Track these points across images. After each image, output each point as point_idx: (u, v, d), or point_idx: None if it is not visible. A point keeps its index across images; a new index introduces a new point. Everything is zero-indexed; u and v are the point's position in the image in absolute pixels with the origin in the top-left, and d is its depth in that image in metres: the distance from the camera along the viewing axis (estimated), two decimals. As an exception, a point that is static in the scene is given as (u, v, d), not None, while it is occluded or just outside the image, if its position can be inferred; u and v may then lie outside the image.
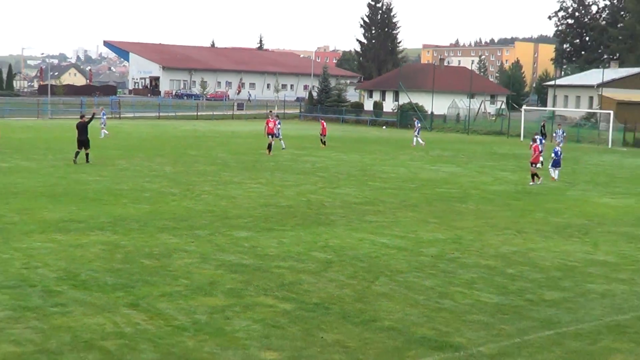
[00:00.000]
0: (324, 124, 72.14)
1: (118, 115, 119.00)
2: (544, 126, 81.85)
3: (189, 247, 25.64)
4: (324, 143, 68.80)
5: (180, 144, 67.47)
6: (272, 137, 60.43)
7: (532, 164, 46.79)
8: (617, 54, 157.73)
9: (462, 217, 33.88)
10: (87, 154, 48.51)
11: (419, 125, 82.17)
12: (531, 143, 49.49)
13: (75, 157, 48.39)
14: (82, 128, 48.68)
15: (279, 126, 64.87)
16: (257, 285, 20.99)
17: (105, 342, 16.21)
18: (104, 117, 76.05)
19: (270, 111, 79.57)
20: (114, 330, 16.95)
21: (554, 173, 48.25)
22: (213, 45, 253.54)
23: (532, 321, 18.82)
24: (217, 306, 18.95)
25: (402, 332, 17.56)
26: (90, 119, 50.03)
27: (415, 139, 78.23)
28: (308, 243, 26.94)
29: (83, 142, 48.47)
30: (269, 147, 59.73)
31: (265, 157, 57.58)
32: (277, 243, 26.74)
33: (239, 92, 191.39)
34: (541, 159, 54.93)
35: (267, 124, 61.57)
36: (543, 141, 58.29)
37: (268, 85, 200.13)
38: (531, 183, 45.58)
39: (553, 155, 48.61)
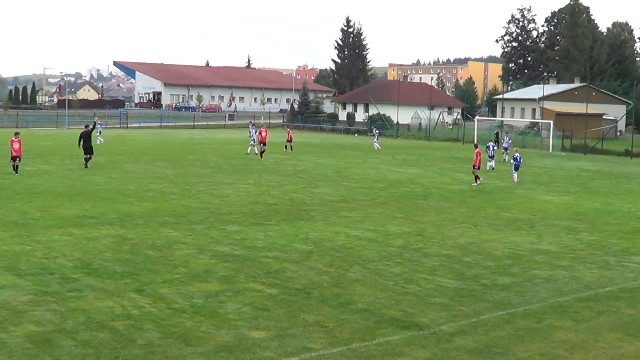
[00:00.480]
0: (290, 132, 72.06)
1: (125, 125, 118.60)
2: (497, 134, 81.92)
3: (187, 239, 25.51)
4: (290, 148, 68.65)
5: (179, 150, 67.22)
6: (264, 145, 60.16)
7: (473, 167, 46.31)
8: (555, 72, 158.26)
9: (425, 212, 33.81)
10: (88, 159, 48.06)
11: (377, 132, 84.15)
12: (478, 149, 49.04)
13: (85, 163, 48.05)
14: (86, 136, 48.42)
15: (253, 134, 64.85)
16: (246, 273, 20.90)
17: (115, 322, 16.20)
18: (100, 127, 75.65)
19: (251, 122, 78.96)
20: (122, 312, 16.90)
21: (515, 176, 47.85)
22: (207, 64, 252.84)
23: (487, 303, 18.77)
24: (211, 291, 18.86)
25: (374, 313, 17.47)
26: (93, 128, 49.86)
27: (375, 144, 79.95)
28: (291, 236, 26.83)
29: (87, 148, 48.14)
30: (261, 153, 59.46)
31: (256, 161, 57.36)
32: (264, 236, 26.63)
33: (230, 104, 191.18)
34: (492, 163, 55.05)
35: (260, 133, 61.22)
36: (495, 147, 58.32)
37: (255, 99, 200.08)
38: (474, 184, 45.40)
39: (513, 160, 48.35)
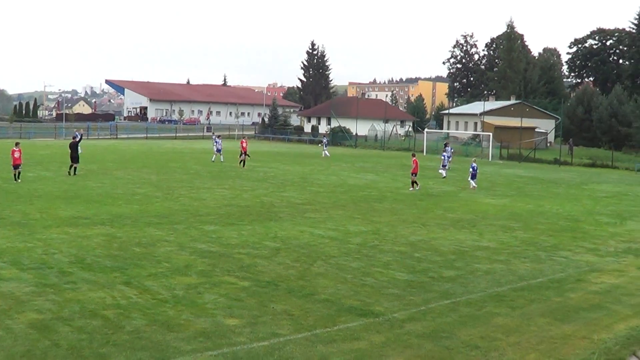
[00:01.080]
0: (244, 142, 68.38)
1: (115, 136, 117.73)
2: (446, 144, 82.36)
3: (169, 238, 25.38)
4: (243, 163, 59.73)
5: (163, 158, 66.80)
6: (246, 154, 59.52)
7: (412, 174, 45.52)
8: (494, 91, 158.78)
9: (380, 214, 33.83)
10: (75, 168, 47.34)
11: (326, 141, 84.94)
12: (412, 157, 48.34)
13: (70, 169, 47.31)
14: (74, 147, 47.80)
15: (217, 144, 64.99)
16: (222, 267, 20.84)
17: (106, 311, 16.15)
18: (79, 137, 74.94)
19: (214, 133, 78.02)
20: (112, 302, 16.83)
21: (473, 183, 47.32)
22: (188, 82, 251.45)
23: (434, 293, 18.82)
24: (191, 284, 18.80)
25: (335, 303, 17.46)
26: (80, 139, 49.19)
27: (323, 152, 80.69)
28: (261, 234, 26.76)
29: (74, 158, 47.47)
30: (243, 162, 58.79)
31: (230, 168, 57.15)
32: (238, 234, 26.54)
33: (208, 118, 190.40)
34: (443, 173, 54.86)
35: (242, 144, 60.68)
36: (450, 158, 58.48)
37: (230, 113, 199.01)
38: (411, 189, 44.60)
39: (471, 169, 47.77)
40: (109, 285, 18.38)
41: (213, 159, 63.73)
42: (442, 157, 57.15)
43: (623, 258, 25.21)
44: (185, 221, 29.20)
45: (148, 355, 13.51)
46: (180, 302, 17.00)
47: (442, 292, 19.03)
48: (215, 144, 65.16)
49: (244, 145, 60.08)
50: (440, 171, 55.96)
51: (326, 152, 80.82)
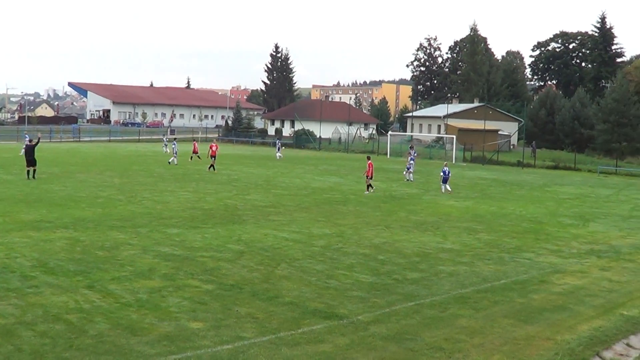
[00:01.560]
0: (196, 144, 69.59)
1: (78, 139, 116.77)
2: (412, 147, 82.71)
3: (132, 241, 25.23)
4: (212, 164, 59.28)
5: (126, 161, 66.44)
6: (214, 158, 58.78)
7: (367, 176, 45.00)
8: (457, 93, 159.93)
9: (344, 216, 33.91)
10: (34, 171, 46.67)
11: (279, 143, 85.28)
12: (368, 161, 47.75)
13: (27, 174, 46.58)
14: (30, 150, 47.10)
15: (174, 147, 65.34)
16: (185, 271, 20.77)
17: (69, 315, 16.04)
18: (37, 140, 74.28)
19: (170, 137, 77.52)
20: (76, 307, 16.72)
21: (445, 187, 46.66)
22: (152, 85, 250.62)
23: (398, 295, 18.89)
24: (155, 287, 18.71)
25: (299, 305, 17.48)
26: (37, 143, 48.52)
27: (277, 154, 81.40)
28: (225, 237, 26.70)
29: (31, 161, 46.81)
30: (212, 166, 58.13)
31: (194, 171, 56.98)
32: (201, 237, 26.46)
33: (172, 121, 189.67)
34: (407, 176, 54.88)
35: (211, 147, 60.02)
36: (413, 160, 58.39)
37: (194, 116, 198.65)
38: (366, 192, 44.25)
39: (442, 174, 47.09)
40: (72, 289, 18.25)
41: (176, 162, 63.60)
42: (409, 158, 57.12)
43: (586, 259, 25.49)
44: (148, 224, 29.06)
45: (111, 360, 13.47)
46: (143, 306, 16.93)
47: (406, 294, 19.11)
48: (172, 146, 65.51)
49: (214, 149, 59.49)
50: (405, 174, 56.03)
51: (280, 154, 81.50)
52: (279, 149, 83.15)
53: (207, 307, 17.09)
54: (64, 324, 15.36)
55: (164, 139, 66.15)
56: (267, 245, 25.50)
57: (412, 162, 57.11)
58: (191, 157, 68.63)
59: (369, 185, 44.99)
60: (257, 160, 75.50)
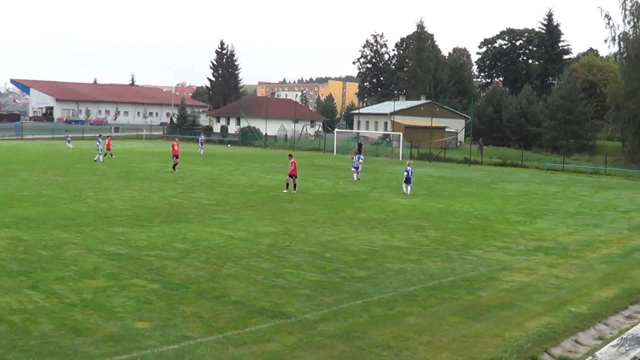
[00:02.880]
0: (175, 145, 68.21)
1: (21, 137, 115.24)
2: (360, 145, 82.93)
3: (76, 240, 25.01)
4: (176, 163, 57.67)
5: (69, 159, 65.74)
6: (177, 158, 57.46)
7: (289, 175, 44.01)
8: (404, 90, 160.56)
9: (291, 214, 33.95)
10: None
11: (202, 138, 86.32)
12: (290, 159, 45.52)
13: None
14: None
15: (99, 144, 64.46)
16: (130, 270, 20.65)
17: (12, 316, 15.90)
18: None
19: (100, 134, 76.02)
20: (19, 307, 16.57)
21: (406, 187, 44.87)
22: (95, 82, 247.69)
23: (346, 293, 18.97)
24: (99, 287, 18.58)
25: (246, 304, 17.48)
26: None
27: (199, 149, 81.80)
28: (170, 236, 26.60)
29: None
30: (174, 166, 56.98)
31: (139, 169, 56.58)
32: (146, 236, 26.33)
33: (115, 118, 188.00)
34: (358, 175, 54.49)
35: (173, 147, 58.27)
36: (361, 159, 58.23)
37: (138, 113, 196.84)
38: (285, 191, 43.41)
39: (405, 173, 45.10)
40: (15, 289, 18.04)
41: (95, 159, 63.06)
42: (354, 159, 56.28)
43: (533, 256, 25.82)
44: (92, 223, 28.81)
45: (54, 361, 13.35)
46: (88, 306, 16.80)
47: (354, 292, 19.20)
48: (97, 144, 64.68)
49: (176, 148, 57.27)
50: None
51: (202, 150, 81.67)
52: (201, 144, 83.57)
53: (152, 306, 17.01)
54: (6, 325, 15.19)
55: (67, 135, 65.93)
56: (213, 243, 25.45)
57: (360, 160, 56.81)
58: (106, 154, 66.22)
59: (294, 185, 43.95)
60: (202, 158, 75.15)
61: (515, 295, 19.75)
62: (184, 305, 17.19)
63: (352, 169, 55.31)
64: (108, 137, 68.33)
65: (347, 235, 28.50)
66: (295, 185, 44.07)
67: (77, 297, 17.53)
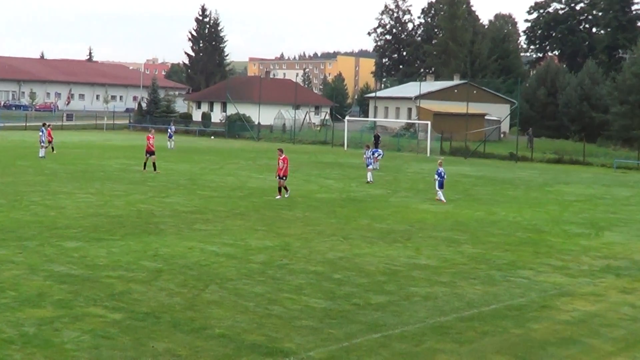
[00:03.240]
0: (50, 131, 67.68)
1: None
2: (376, 137, 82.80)
3: (16, 258, 24.96)
4: (152, 160, 57.14)
5: (8, 154, 65.81)
6: (152, 155, 55.46)
7: (279, 176, 43.02)
8: (433, 68, 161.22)
9: (290, 224, 33.90)
10: None
11: (172, 129, 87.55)
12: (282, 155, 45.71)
13: None
14: None
15: (41, 135, 64.16)
16: (86, 296, 20.57)
17: None
18: None
19: (44, 123, 76.23)
20: (-62, 345, 16.41)
21: (441, 195, 44.27)
22: (42, 56, 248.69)
23: (360, 325, 18.88)
24: (45, 318, 18.48)
25: (233, 339, 17.41)
26: None
27: (168, 142, 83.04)
28: (138, 252, 26.56)
29: None
30: (152, 164, 56.17)
31: (97, 167, 56.56)
32: (107, 253, 26.28)
33: (68, 103, 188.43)
34: (370, 176, 53.96)
35: (148, 140, 57.17)
36: (381, 153, 58.32)
37: (97, 97, 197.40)
38: (278, 196, 42.88)
39: (436, 176, 44.61)
40: None
41: (42, 154, 63.02)
42: (368, 154, 55.98)
43: (600, 278, 25.67)
44: (38, 236, 28.75)
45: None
46: (30, 343, 16.70)
47: (370, 323, 19.09)
48: (40, 134, 64.44)
49: (151, 142, 56.14)
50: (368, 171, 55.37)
51: (171, 143, 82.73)
52: (170, 136, 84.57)
53: (114, 342, 16.92)
54: None
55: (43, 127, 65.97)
56: (191, 261, 25.39)
57: (379, 155, 56.97)
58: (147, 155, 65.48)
59: (283, 187, 43.18)
60: (180, 153, 75.28)
61: (578, 329, 19.58)
62: (154, 341, 17.10)
63: (369, 167, 54.25)
64: (49, 126, 68.46)
65: (362, 250, 28.43)
66: (286, 188, 43.39)
67: (15, 332, 17.43)
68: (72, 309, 19.30)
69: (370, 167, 54.24)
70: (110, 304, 19.86)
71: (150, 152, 55.74)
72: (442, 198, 44.28)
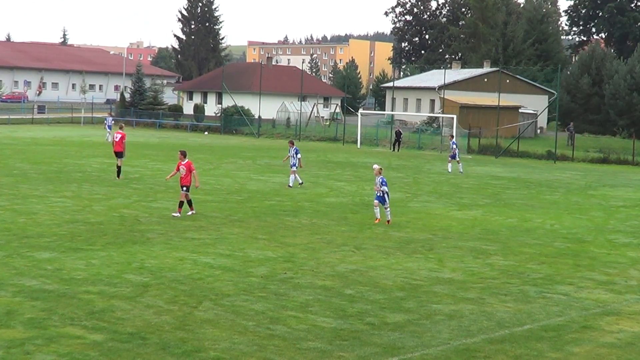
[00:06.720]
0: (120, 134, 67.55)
1: None
2: (398, 133, 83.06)
3: (-17, 270, 25.04)
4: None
5: (-27, 153, 66.00)
6: (121, 157, 52.54)
7: (182, 186, 38.00)
8: (459, 54, 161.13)
9: (295, 232, 33.97)
10: None
11: (109, 122, 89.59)
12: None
13: None
14: None
15: None
16: (62, 314, 20.60)
17: None
18: None
19: None
20: None
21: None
22: (9, 39, 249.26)
23: (374, 347, 18.93)
24: (15, 339, 18.51)
25: (230, 362, 17.44)
26: None
27: (107, 135, 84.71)
28: (121, 264, 26.60)
29: None
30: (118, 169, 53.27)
31: (74, 167, 56.70)
32: (86, 265, 26.33)
33: (40, 92, 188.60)
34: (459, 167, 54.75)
35: (119, 138, 54.41)
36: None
37: (73, 86, 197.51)
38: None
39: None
40: None
41: None
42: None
43: (649, 295, 25.73)
44: (5, 246, 28.84)
45: None
46: (-2, 366, 16.80)
47: (386, 345, 19.16)
48: None
49: (118, 139, 52.52)
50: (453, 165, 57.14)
51: (109, 136, 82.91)
52: (109, 128, 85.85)
53: (93, 366, 17.00)
54: None
55: None
56: (182, 275, 25.47)
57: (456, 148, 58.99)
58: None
59: (188, 202, 38.30)
60: (168, 151, 75.33)
61: (624, 353, 19.59)
62: (139, 364, 17.17)
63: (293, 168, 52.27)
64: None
65: (377, 263, 28.49)
66: (185, 202, 38.35)
67: (-17, 354, 17.52)
68: (45, 329, 19.33)
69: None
70: (89, 324, 19.88)
71: (118, 153, 52.18)
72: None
